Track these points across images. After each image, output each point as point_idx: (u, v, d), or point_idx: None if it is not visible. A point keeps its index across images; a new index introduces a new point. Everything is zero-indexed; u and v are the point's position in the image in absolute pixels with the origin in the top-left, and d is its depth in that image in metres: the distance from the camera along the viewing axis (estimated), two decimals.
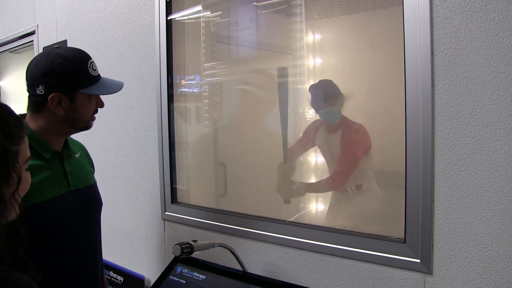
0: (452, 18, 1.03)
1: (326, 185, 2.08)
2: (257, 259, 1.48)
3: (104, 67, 1.61)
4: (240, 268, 1.41)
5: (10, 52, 3.04)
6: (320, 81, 2.08)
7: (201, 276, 1.45)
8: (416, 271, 1.13)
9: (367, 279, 1.23)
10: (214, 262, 1.54)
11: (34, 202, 1.11)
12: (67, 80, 1.14)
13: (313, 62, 2.36)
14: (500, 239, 0.99)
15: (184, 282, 1.45)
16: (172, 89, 1.78)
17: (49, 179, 1.17)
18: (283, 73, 2.06)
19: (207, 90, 2.08)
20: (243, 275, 1.40)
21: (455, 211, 1.05)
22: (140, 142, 1.90)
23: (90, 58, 1.20)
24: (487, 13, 0.98)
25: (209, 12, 2.02)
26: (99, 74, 1.23)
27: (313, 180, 2.26)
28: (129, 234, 1.98)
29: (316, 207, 2.33)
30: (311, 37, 2.38)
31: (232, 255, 1.41)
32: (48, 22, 2.42)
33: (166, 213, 1.80)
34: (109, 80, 1.25)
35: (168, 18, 1.75)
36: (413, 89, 1.09)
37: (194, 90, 2.04)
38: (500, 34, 0.96)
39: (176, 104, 1.81)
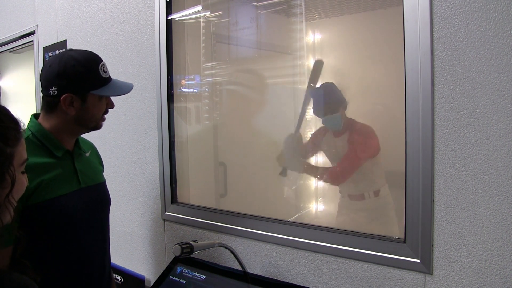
0: (452, 18, 1.03)
1: (324, 175, 2.07)
2: (257, 259, 1.48)
3: None
4: (240, 268, 1.41)
5: (10, 52, 3.04)
6: (321, 85, 2.05)
7: (201, 276, 1.45)
8: (416, 271, 1.13)
9: (367, 279, 1.23)
10: (214, 262, 1.54)
11: (45, 198, 1.16)
12: (79, 81, 1.20)
13: (313, 62, 2.36)
14: (500, 239, 0.99)
15: (184, 282, 1.45)
16: (172, 89, 1.78)
17: (60, 177, 1.22)
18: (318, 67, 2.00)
19: (207, 90, 2.08)
20: (243, 275, 1.40)
21: (455, 211, 1.05)
22: (140, 142, 1.90)
23: (101, 60, 1.26)
24: (487, 13, 0.98)
25: (209, 12, 2.02)
26: (109, 76, 1.28)
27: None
28: (129, 234, 1.98)
29: (316, 207, 2.33)
30: (311, 37, 2.38)
31: (232, 255, 1.41)
32: (48, 22, 2.42)
33: (166, 213, 1.80)
34: (120, 81, 1.31)
35: (168, 18, 1.75)
36: (413, 89, 1.09)
37: (194, 90, 2.04)
38: (500, 34, 0.96)
39: (176, 104, 1.81)
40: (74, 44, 2.22)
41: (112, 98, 1.31)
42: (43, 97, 1.25)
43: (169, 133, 1.77)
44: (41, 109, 1.26)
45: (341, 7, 2.21)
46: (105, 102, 1.28)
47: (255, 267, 1.48)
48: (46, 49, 2.44)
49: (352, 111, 1.99)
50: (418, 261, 1.12)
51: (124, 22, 1.93)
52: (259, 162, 2.12)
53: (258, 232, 1.48)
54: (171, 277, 1.49)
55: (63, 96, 1.18)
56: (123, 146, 1.98)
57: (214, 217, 1.63)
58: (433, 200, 1.08)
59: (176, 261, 1.54)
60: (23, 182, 0.86)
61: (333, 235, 1.30)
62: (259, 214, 1.53)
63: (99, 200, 1.35)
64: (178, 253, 1.28)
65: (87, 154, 1.37)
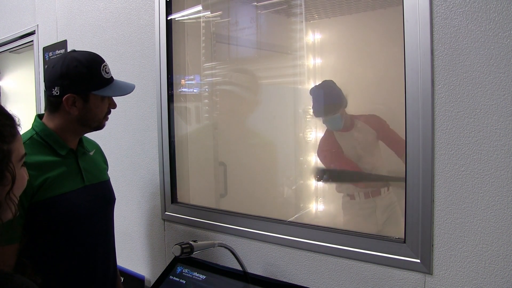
0: (452, 18, 1.03)
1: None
2: (257, 259, 1.48)
3: None
4: (240, 268, 1.41)
5: (10, 52, 3.04)
6: (321, 84, 2.05)
7: (201, 276, 1.45)
8: (416, 271, 1.13)
9: (367, 279, 1.23)
10: (214, 262, 1.54)
11: (50, 195, 1.18)
12: (81, 82, 1.22)
13: (313, 62, 2.36)
14: (500, 239, 0.99)
15: (184, 282, 1.45)
16: (172, 89, 1.78)
17: (65, 175, 1.24)
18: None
19: (207, 90, 2.08)
20: (243, 275, 1.40)
21: (455, 211, 1.05)
22: (140, 142, 1.90)
23: (103, 61, 1.28)
24: (487, 13, 0.98)
25: (209, 12, 2.02)
26: (112, 76, 1.30)
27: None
28: (129, 234, 1.98)
29: (316, 207, 2.33)
30: (311, 37, 2.38)
31: (232, 255, 1.41)
32: (48, 22, 2.42)
33: (166, 213, 1.79)
34: (122, 82, 1.33)
35: (168, 18, 1.75)
36: (413, 89, 1.09)
37: (194, 90, 2.04)
38: (500, 34, 0.96)
39: (176, 104, 1.81)
40: (74, 44, 2.22)
41: (113, 98, 1.33)
42: (46, 97, 1.28)
43: (169, 133, 1.77)
44: (45, 109, 1.29)
45: (341, 7, 2.21)
46: (107, 102, 1.30)
47: (255, 267, 1.48)
48: (46, 49, 2.44)
49: (352, 111, 1.99)
50: (418, 261, 1.12)
51: (124, 22, 1.93)
52: (259, 162, 2.12)
53: (258, 232, 1.48)
54: (171, 277, 1.49)
55: (66, 96, 1.21)
56: (123, 146, 1.98)
57: (214, 217, 1.63)
58: (433, 200, 1.08)
59: (176, 261, 1.54)
60: (23, 177, 0.86)
61: (333, 235, 1.30)
62: (259, 214, 1.53)
63: (103, 197, 1.38)
64: (178, 253, 1.28)
65: (91, 153, 1.39)
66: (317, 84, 2.19)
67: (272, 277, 1.42)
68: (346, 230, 1.31)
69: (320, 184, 2.28)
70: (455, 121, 1.04)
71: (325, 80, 2.04)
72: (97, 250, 1.32)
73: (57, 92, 1.21)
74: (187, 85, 1.97)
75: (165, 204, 1.80)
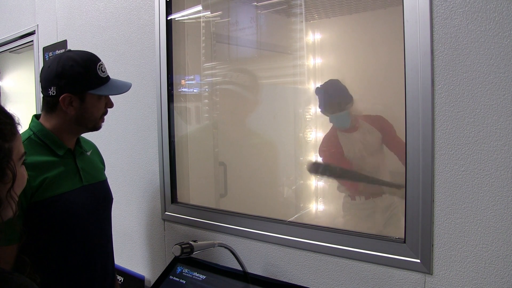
0: (452, 18, 1.03)
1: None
2: (257, 259, 1.48)
3: None
4: (240, 268, 1.41)
5: (10, 52, 3.04)
6: (327, 82, 2.05)
7: (201, 276, 1.45)
8: (416, 271, 1.13)
9: (367, 279, 1.23)
10: (214, 262, 1.54)
11: (49, 196, 1.18)
12: (77, 81, 1.22)
13: (313, 62, 2.36)
14: (500, 239, 0.99)
15: (184, 282, 1.45)
16: (172, 89, 1.78)
17: (63, 175, 1.24)
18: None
19: (207, 90, 2.08)
20: (243, 275, 1.40)
21: (455, 211, 1.05)
22: (140, 142, 1.90)
23: (99, 60, 1.28)
24: (487, 13, 0.98)
25: (209, 12, 2.02)
26: (108, 75, 1.30)
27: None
28: (129, 234, 1.97)
29: (316, 207, 2.33)
30: (311, 37, 2.38)
31: (232, 255, 1.41)
32: (48, 22, 2.42)
33: (166, 213, 1.79)
34: (118, 81, 1.32)
35: (168, 18, 1.75)
36: (413, 89, 1.09)
37: (194, 90, 2.04)
38: (500, 34, 0.96)
39: (176, 104, 1.81)
40: (74, 44, 2.22)
41: (112, 98, 1.32)
42: (43, 97, 1.26)
43: (169, 133, 1.77)
44: (42, 110, 1.29)
45: (341, 7, 2.21)
46: (104, 101, 1.30)
47: (255, 267, 1.48)
48: (46, 49, 2.44)
49: (353, 111, 1.99)
50: (418, 261, 1.12)
51: (124, 22, 1.93)
52: (259, 162, 2.12)
53: (258, 232, 1.48)
54: (171, 277, 1.49)
55: (62, 96, 1.20)
56: (123, 146, 1.98)
57: (214, 217, 1.63)
58: (433, 200, 1.08)
59: (176, 261, 1.54)
60: (23, 175, 0.87)
61: (333, 235, 1.30)
62: (259, 214, 1.53)
63: (101, 197, 1.38)
64: (178, 253, 1.28)
65: (89, 153, 1.39)
66: (317, 84, 2.19)
67: (272, 277, 1.42)
68: (346, 230, 1.31)
69: (320, 184, 2.28)
70: (455, 121, 1.04)
71: (331, 79, 2.05)
72: (96, 250, 1.33)
73: (53, 92, 1.21)
74: (187, 85, 1.97)
75: (165, 204, 1.80)
